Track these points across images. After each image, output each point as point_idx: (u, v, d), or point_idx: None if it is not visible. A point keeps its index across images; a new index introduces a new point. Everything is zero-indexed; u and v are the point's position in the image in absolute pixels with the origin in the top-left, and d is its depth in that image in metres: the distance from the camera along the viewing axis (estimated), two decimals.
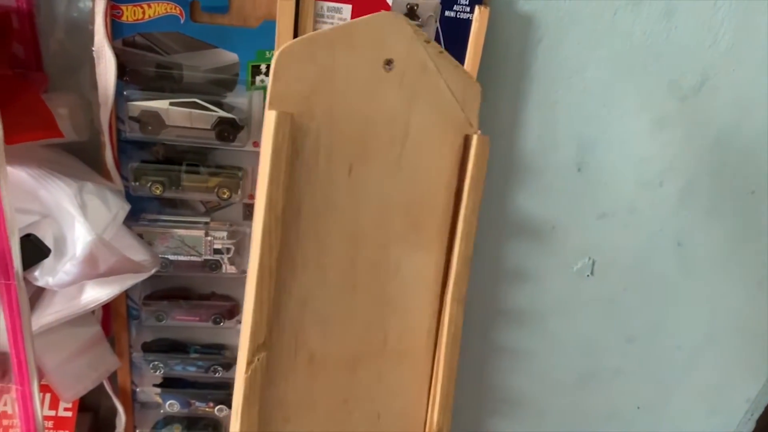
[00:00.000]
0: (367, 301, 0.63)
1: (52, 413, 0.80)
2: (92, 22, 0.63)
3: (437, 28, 0.69)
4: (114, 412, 0.82)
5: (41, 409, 0.62)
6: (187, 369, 0.81)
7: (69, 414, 0.80)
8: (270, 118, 0.53)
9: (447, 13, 0.68)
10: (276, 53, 0.53)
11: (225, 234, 0.73)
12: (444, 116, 0.62)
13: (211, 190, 0.71)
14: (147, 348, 0.80)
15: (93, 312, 0.73)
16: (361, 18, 0.56)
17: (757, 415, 1.08)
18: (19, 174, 0.59)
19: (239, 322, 0.79)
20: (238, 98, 0.69)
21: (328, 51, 0.55)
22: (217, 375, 0.82)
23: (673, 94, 0.80)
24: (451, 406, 0.68)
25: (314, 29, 0.67)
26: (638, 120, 0.81)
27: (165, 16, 0.65)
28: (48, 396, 0.79)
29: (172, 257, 0.73)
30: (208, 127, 0.67)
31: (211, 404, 0.84)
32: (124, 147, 0.70)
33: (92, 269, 0.60)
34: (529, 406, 1.02)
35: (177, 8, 0.65)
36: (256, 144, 0.71)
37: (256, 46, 0.68)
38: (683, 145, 0.83)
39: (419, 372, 0.68)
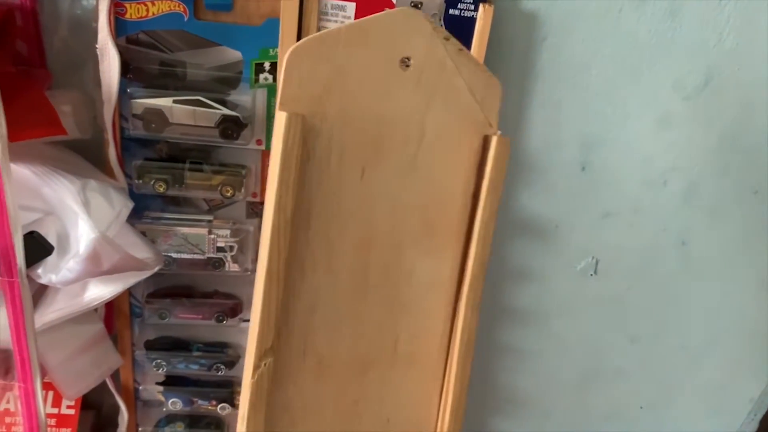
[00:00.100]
0: (379, 305, 0.62)
1: (55, 411, 0.80)
2: (96, 19, 0.63)
3: (441, 26, 0.69)
4: (116, 410, 0.82)
5: (44, 406, 0.62)
6: (189, 367, 0.81)
7: (72, 412, 0.80)
8: (280, 119, 0.52)
9: (451, 11, 0.68)
10: (287, 52, 0.52)
11: (228, 232, 0.73)
12: (462, 116, 0.60)
13: (214, 188, 0.71)
14: (150, 346, 0.80)
15: (96, 310, 0.73)
16: (377, 14, 0.54)
17: (760, 416, 1.08)
18: (22, 171, 0.59)
19: (242, 320, 0.79)
20: (241, 96, 0.69)
21: (341, 49, 0.54)
22: (219, 373, 0.82)
23: (678, 93, 0.80)
24: (463, 412, 0.67)
25: (318, 27, 0.67)
26: (642, 119, 0.81)
27: (169, 13, 0.65)
28: (51, 394, 0.79)
29: (175, 255, 0.73)
30: (212, 125, 0.67)
31: (214, 402, 0.84)
32: (127, 145, 0.70)
33: (95, 267, 0.59)
34: (532, 405, 1.02)
35: (181, 6, 0.65)
36: (260, 142, 0.71)
37: (260, 44, 0.68)
38: (687, 144, 0.83)
39: (430, 377, 0.67)
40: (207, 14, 0.66)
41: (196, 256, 0.73)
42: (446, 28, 0.69)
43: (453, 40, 0.57)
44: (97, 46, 0.64)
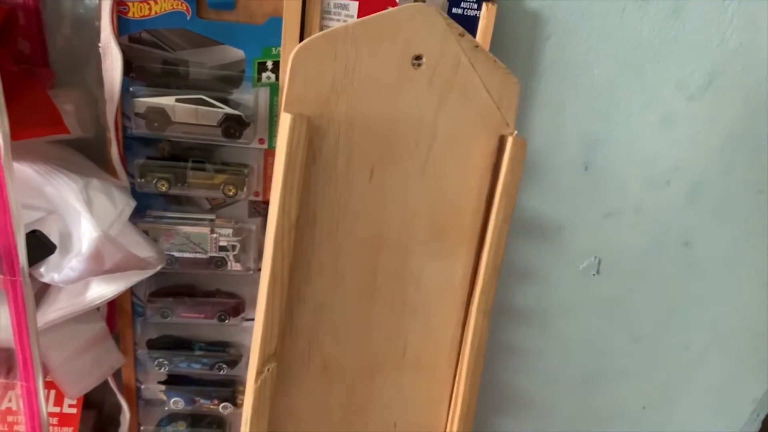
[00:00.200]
0: (387, 310, 0.61)
1: (57, 410, 0.80)
2: (99, 18, 0.63)
3: None
4: (118, 409, 0.82)
5: (46, 405, 0.62)
6: (191, 366, 0.81)
7: (73, 410, 0.80)
8: (285, 121, 0.50)
9: (454, 10, 0.68)
10: (292, 51, 0.50)
11: (230, 231, 0.73)
12: (478, 115, 0.58)
13: (216, 187, 0.70)
14: (152, 345, 0.80)
15: (98, 309, 0.73)
16: (387, 10, 0.53)
17: (762, 416, 1.08)
18: (25, 170, 0.59)
19: (244, 319, 0.79)
20: (244, 95, 0.69)
21: (350, 47, 0.52)
22: (221, 372, 0.81)
23: (681, 93, 0.79)
24: (473, 417, 0.66)
25: (321, 26, 0.67)
26: (645, 119, 0.80)
27: (171, 12, 0.65)
28: (53, 392, 0.79)
29: (177, 254, 0.73)
30: (214, 124, 0.67)
31: (216, 401, 0.84)
32: (130, 143, 0.69)
33: (98, 266, 0.59)
34: (533, 405, 1.02)
35: (183, 5, 0.65)
36: (262, 141, 0.71)
37: (263, 43, 0.67)
38: (691, 144, 0.83)
39: (439, 382, 0.66)
40: (210, 13, 0.66)
41: (198, 255, 0.73)
42: None
43: (468, 36, 0.55)
44: (99, 44, 0.64)
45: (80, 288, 0.66)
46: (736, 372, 1.03)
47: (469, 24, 0.69)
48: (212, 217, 0.74)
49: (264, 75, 0.69)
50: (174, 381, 0.83)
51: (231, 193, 0.71)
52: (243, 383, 0.84)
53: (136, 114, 0.66)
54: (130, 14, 0.64)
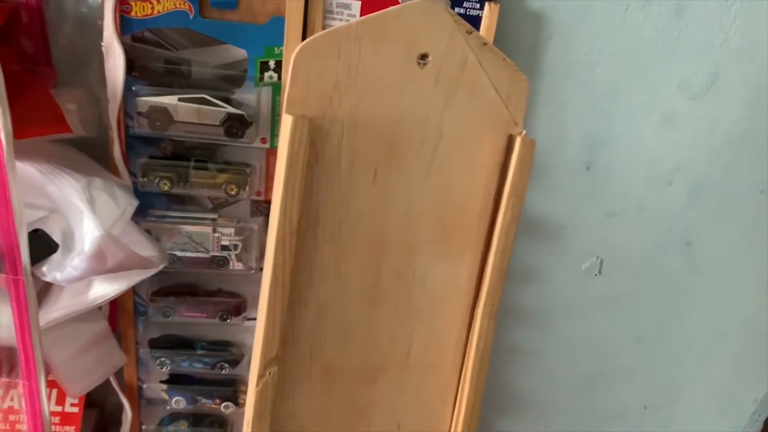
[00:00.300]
0: (391, 311, 0.60)
1: (59, 409, 0.80)
2: (101, 17, 0.63)
3: None
4: (120, 408, 0.82)
5: (48, 404, 0.62)
6: (193, 365, 0.81)
7: (75, 410, 0.80)
8: (286, 123, 0.49)
9: (457, 9, 0.68)
10: (295, 49, 0.49)
11: (232, 230, 0.73)
12: (485, 115, 0.56)
13: (219, 186, 0.70)
14: (154, 344, 0.80)
15: (100, 308, 0.73)
16: (392, 8, 0.51)
17: (764, 417, 1.07)
18: (27, 169, 0.59)
19: (246, 318, 0.79)
20: (246, 94, 0.69)
21: (353, 46, 0.51)
22: (223, 372, 0.81)
23: (683, 93, 0.79)
24: (477, 421, 0.66)
25: (323, 25, 0.67)
26: (648, 119, 0.80)
27: (174, 11, 0.65)
28: (55, 391, 0.79)
29: (179, 253, 0.73)
30: (217, 123, 0.67)
31: (218, 401, 0.84)
32: (132, 143, 0.70)
33: (100, 265, 0.59)
34: (535, 405, 1.02)
35: (186, 4, 0.65)
36: (264, 140, 0.71)
37: (265, 43, 0.67)
38: (693, 144, 0.83)
39: (444, 384, 0.65)
40: (212, 12, 0.66)
41: (200, 255, 0.73)
42: None
43: (476, 33, 0.54)
44: (102, 44, 0.64)
45: (82, 287, 0.66)
46: (737, 372, 1.03)
47: (472, 24, 0.68)
48: (214, 216, 0.74)
49: (266, 74, 0.69)
50: (176, 380, 0.83)
51: (233, 193, 0.71)
52: (245, 383, 0.84)
53: (139, 113, 0.66)
54: (133, 13, 0.64)
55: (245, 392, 0.84)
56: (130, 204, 0.64)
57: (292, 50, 0.65)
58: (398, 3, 0.67)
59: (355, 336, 0.60)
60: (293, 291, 0.54)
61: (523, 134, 0.57)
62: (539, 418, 1.04)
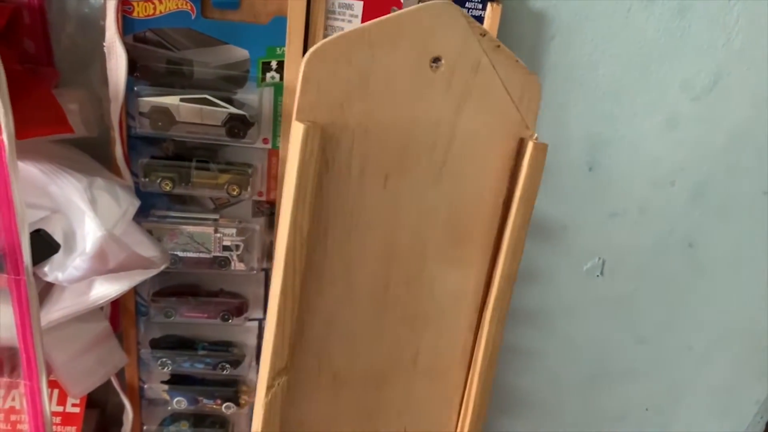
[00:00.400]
0: (399, 318, 0.59)
1: (60, 409, 0.80)
2: (103, 17, 0.63)
3: None
4: (121, 408, 0.82)
5: (49, 404, 0.62)
6: (194, 366, 0.81)
7: (77, 410, 0.80)
8: (297, 131, 0.48)
9: None
10: (306, 55, 0.48)
11: (234, 231, 0.73)
12: (497, 118, 0.55)
13: (220, 186, 0.70)
14: (155, 344, 0.80)
15: (102, 308, 0.73)
16: (406, 10, 0.50)
17: (766, 417, 1.07)
18: (29, 169, 0.59)
19: (248, 319, 0.79)
20: (248, 95, 0.69)
21: (366, 50, 0.49)
22: (224, 372, 0.81)
23: (686, 94, 0.79)
24: (483, 424, 0.65)
25: (325, 26, 0.67)
26: (650, 119, 0.80)
27: (176, 12, 0.65)
28: (56, 392, 0.79)
29: (181, 254, 0.73)
30: (219, 124, 0.67)
31: (219, 401, 0.84)
32: (134, 143, 0.69)
33: (102, 265, 0.59)
34: (537, 406, 1.02)
35: (188, 4, 0.65)
36: (266, 141, 0.71)
37: (267, 43, 0.67)
38: (695, 144, 0.82)
39: (450, 388, 0.64)
40: (214, 12, 0.66)
41: (201, 255, 0.73)
42: None
43: (489, 35, 0.53)
44: (104, 44, 0.64)
45: (84, 287, 0.65)
46: (740, 373, 1.02)
47: None
48: (216, 216, 0.74)
49: (268, 75, 0.69)
50: (177, 381, 0.83)
51: (235, 193, 0.71)
52: (246, 383, 0.84)
53: (141, 113, 0.66)
54: (135, 14, 0.64)
55: (247, 393, 0.84)
56: (132, 204, 0.64)
57: (294, 50, 0.66)
58: (400, 2, 0.67)
59: (362, 342, 0.59)
60: (302, 300, 0.53)
61: (535, 137, 0.56)
62: (541, 418, 1.03)
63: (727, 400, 1.05)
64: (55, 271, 0.60)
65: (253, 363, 0.83)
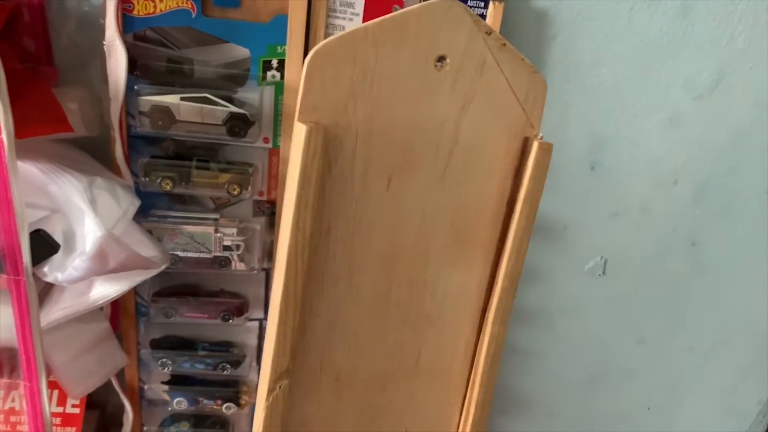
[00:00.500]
0: (401, 319, 0.59)
1: (60, 410, 0.79)
2: (103, 16, 0.63)
3: None
4: (121, 409, 0.82)
5: (49, 405, 0.61)
6: (195, 366, 0.81)
7: (77, 411, 0.80)
8: (299, 132, 0.47)
9: None
10: (308, 56, 0.47)
11: (235, 231, 0.72)
12: (502, 118, 0.54)
13: (221, 186, 0.70)
14: (155, 345, 0.80)
15: (102, 308, 0.73)
16: (411, 8, 0.49)
17: None
18: (29, 169, 0.59)
19: (248, 319, 0.79)
20: (249, 93, 0.68)
21: (370, 49, 0.48)
22: (225, 372, 0.81)
23: (689, 93, 0.79)
24: (485, 424, 0.65)
25: (326, 24, 0.66)
26: (652, 118, 0.80)
27: (176, 10, 0.65)
28: (56, 392, 0.79)
29: (181, 254, 0.72)
30: (219, 123, 0.66)
31: (219, 402, 0.83)
32: (134, 142, 0.69)
33: (102, 265, 0.59)
34: (538, 406, 1.02)
35: (188, 2, 0.64)
36: (267, 140, 0.71)
37: (268, 41, 0.67)
38: (698, 144, 0.82)
39: (452, 389, 0.64)
40: (215, 11, 0.66)
41: (202, 255, 0.73)
42: None
43: (495, 33, 0.52)
44: (104, 42, 0.63)
45: (84, 287, 0.65)
46: (742, 373, 1.02)
47: None
48: (216, 216, 0.74)
49: (269, 73, 0.68)
50: (177, 381, 0.83)
51: (235, 193, 0.70)
52: (247, 383, 0.84)
53: (141, 112, 0.66)
54: (135, 12, 0.64)
55: (247, 393, 0.84)
56: (132, 204, 0.64)
57: (295, 49, 0.66)
58: (401, 1, 0.67)
59: (364, 344, 0.59)
60: (304, 302, 0.53)
61: (540, 137, 0.55)
62: (542, 418, 1.03)
63: (729, 400, 1.05)
64: (54, 271, 0.59)
65: (254, 363, 0.83)
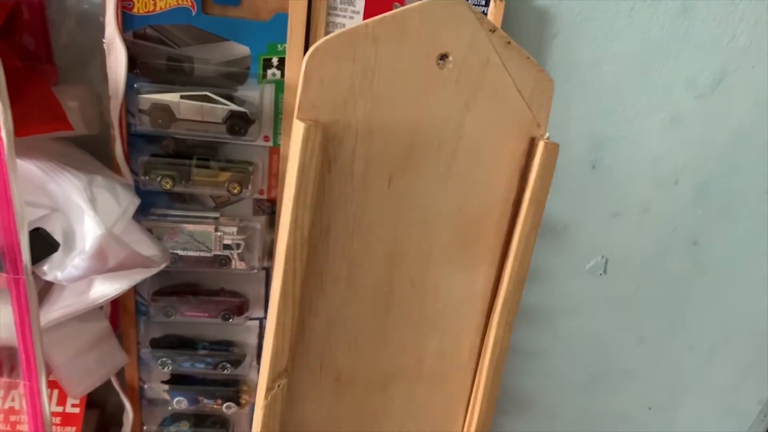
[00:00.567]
0: (403, 321, 0.58)
1: (60, 409, 0.79)
2: (103, 14, 0.63)
3: None
4: (121, 408, 0.82)
5: (49, 404, 0.61)
6: (195, 366, 0.80)
7: (76, 410, 0.80)
8: (297, 130, 0.47)
9: None
10: (307, 53, 0.46)
11: (235, 229, 0.72)
12: (507, 117, 0.54)
13: (221, 184, 0.70)
14: (155, 344, 0.80)
15: (101, 307, 0.72)
16: (412, 5, 0.48)
17: None
18: (28, 167, 0.59)
19: (248, 318, 0.79)
20: (249, 92, 0.68)
21: (370, 47, 0.48)
22: (225, 372, 0.81)
23: (690, 92, 0.79)
24: (490, 426, 0.64)
25: (327, 22, 0.66)
26: (654, 118, 0.80)
27: (176, 8, 0.64)
28: (56, 392, 0.79)
29: (181, 252, 0.72)
30: (219, 121, 0.66)
31: (219, 401, 0.83)
32: (134, 141, 0.69)
33: (101, 264, 0.59)
34: (539, 405, 1.02)
35: (188, 0, 0.64)
36: (267, 138, 0.70)
37: (268, 39, 0.67)
38: (699, 143, 0.82)
39: (456, 392, 0.64)
40: (215, 9, 0.65)
41: (202, 254, 0.73)
42: None
43: (499, 31, 0.51)
44: (104, 40, 0.63)
45: (83, 286, 0.65)
46: (742, 373, 1.02)
47: None
48: (216, 215, 0.74)
49: (269, 72, 0.68)
50: (177, 380, 0.83)
51: (236, 191, 0.70)
52: (247, 383, 0.84)
53: (141, 111, 0.66)
54: (135, 10, 0.64)
55: (247, 392, 0.83)
56: (132, 202, 0.64)
57: (295, 47, 0.65)
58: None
59: (365, 345, 0.58)
60: (303, 301, 0.52)
61: (546, 137, 0.55)
62: (542, 418, 1.03)
63: (730, 400, 1.05)
64: (54, 270, 0.59)
65: (254, 362, 0.82)
